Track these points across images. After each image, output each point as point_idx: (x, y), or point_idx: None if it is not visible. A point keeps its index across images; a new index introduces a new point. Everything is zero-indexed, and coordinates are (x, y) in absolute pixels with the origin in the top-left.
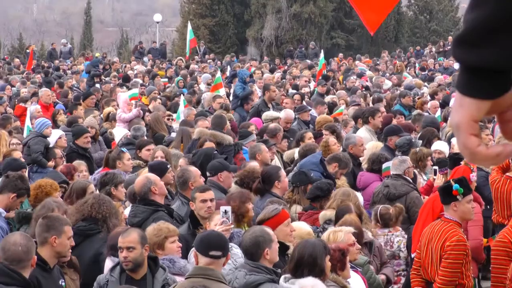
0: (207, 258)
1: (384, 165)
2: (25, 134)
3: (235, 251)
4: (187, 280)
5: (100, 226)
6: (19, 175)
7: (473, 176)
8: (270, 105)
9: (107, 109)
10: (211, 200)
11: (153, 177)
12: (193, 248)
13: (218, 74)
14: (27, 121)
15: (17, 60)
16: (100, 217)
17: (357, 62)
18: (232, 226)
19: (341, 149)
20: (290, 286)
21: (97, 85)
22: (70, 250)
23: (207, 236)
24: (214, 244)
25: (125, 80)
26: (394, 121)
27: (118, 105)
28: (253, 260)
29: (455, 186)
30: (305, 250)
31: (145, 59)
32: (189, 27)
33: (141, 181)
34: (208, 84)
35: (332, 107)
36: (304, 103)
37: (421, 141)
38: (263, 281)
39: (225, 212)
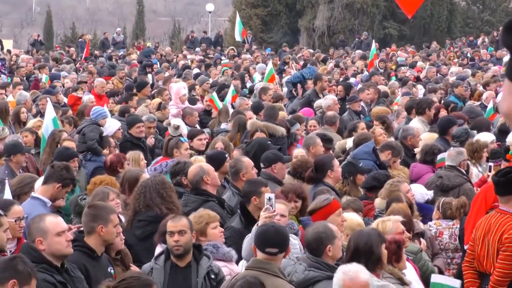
0: (263, 254)
1: (439, 156)
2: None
3: (293, 241)
4: (245, 272)
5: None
6: (64, 165)
7: None
8: (321, 95)
9: (155, 100)
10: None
11: (207, 166)
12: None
13: (270, 65)
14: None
15: (72, 49)
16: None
17: (399, 52)
18: (276, 213)
19: (392, 139)
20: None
21: (149, 75)
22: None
23: (264, 232)
24: (271, 241)
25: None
26: (443, 112)
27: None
28: (314, 256)
29: None
30: (360, 240)
31: (197, 49)
32: (238, 18)
33: (194, 170)
34: (262, 74)
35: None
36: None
37: (476, 131)
38: (321, 278)
39: (269, 199)
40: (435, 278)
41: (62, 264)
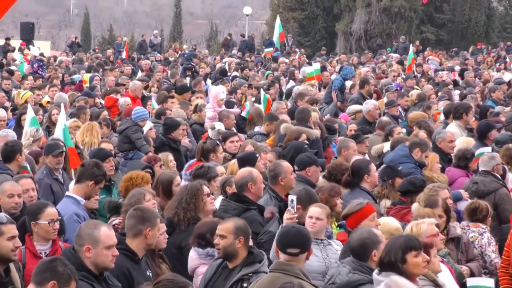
0: (285, 255)
1: (477, 152)
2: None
3: (333, 246)
4: (268, 274)
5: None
6: (94, 162)
7: None
8: (368, 99)
9: (195, 101)
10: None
11: (256, 174)
12: None
13: (317, 66)
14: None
15: (109, 51)
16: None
17: (430, 57)
18: (296, 215)
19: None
20: (379, 278)
21: (187, 78)
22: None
23: (285, 233)
24: (292, 241)
25: (222, 74)
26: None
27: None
28: (359, 261)
29: None
30: (385, 250)
31: (234, 51)
32: (278, 21)
33: (242, 173)
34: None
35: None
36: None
37: None
38: (365, 281)
39: (292, 201)
40: (471, 281)
41: (101, 273)
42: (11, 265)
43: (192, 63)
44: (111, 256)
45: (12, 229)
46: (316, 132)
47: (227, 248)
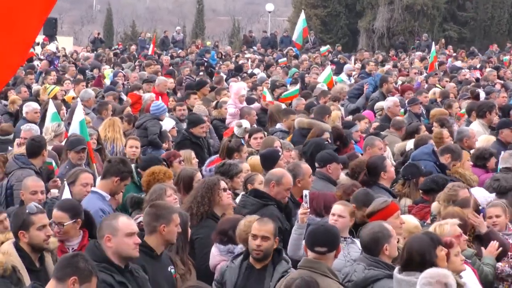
0: (313, 253)
1: None
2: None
3: (356, 245)
4: (297, 271)
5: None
6: (120, 159)
7: None
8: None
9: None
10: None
11: (286, 180)
12: None
13: (328, 69)
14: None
15: (133, 47)
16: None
17: (454, 54)
18: (309, 210)
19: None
20: (403, 278)
21: (201, 73)
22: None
23: (314, 231)
24: (320, 240)
25: (238, 70)
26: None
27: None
28: (372, 256)
29: None
30: (413, 247)
31: (254, 48)
32: (302, 16)
33: (275, 171)
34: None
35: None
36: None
37: None
38: (381, 276)
39: (305, 196)
40: None
41: (126, 265)
42: (47, 256)
43: (204, 59)
44: (133, 244)
45: (42, 219)
46: (328, 126)
47: (268, 250)
